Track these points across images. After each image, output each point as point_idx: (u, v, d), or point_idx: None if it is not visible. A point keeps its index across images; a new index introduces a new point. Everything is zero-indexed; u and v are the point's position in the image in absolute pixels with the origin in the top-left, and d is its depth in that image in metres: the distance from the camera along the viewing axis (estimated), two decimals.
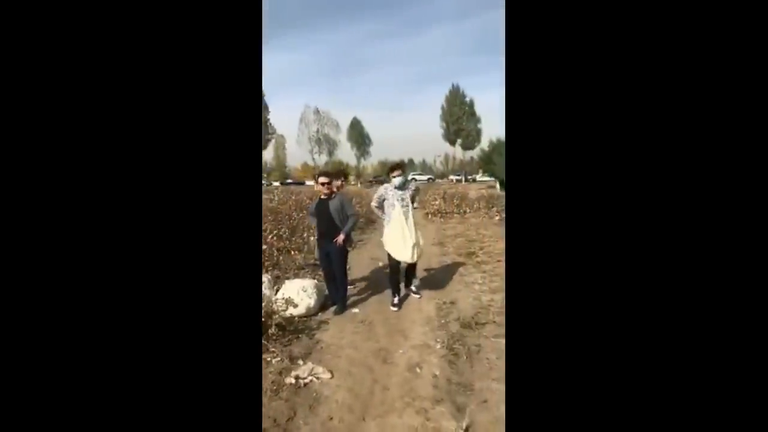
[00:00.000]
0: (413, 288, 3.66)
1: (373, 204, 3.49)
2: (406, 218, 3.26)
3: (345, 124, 48.19)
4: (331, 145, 46.00)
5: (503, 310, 3.25)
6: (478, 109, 43.05)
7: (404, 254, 3.26)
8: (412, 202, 3.37)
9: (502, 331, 2.82)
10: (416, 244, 3.28)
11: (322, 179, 3.22)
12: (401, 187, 3.33)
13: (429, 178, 39.97)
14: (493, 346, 2.60)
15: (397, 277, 3.50)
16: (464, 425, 1.76)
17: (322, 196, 3.26)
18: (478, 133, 42.46)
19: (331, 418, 1.86)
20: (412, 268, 3.58)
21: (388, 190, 3.35)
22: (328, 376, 2.23)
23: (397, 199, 3.29)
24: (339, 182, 3.27)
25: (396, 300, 3.43)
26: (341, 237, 3.15)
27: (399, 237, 3.25)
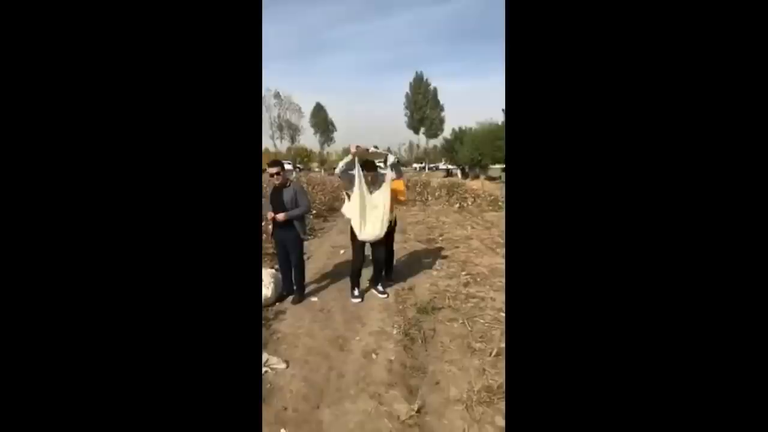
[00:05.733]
0: (379, 287, 3.34)
1: (337, 172, 3.10)
2: (369, 188, 3.00)
3: (308, 109, 46.90)
4: (293, 131, 44.62)
5: (458, 294, 3.37)
6: (442, 98, 43.54)
7: (364, 231, 3.05)
8: (392, 171, 3.06)
9: (457, 315, 2.93)
10: (379, 220, 3.00)
11: (271, 169, 3.10)
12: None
13: None
14: (448, 330, 2.69)
15: (359, 265, 3.26)
16: (416, 407, 1.82)
17: (276, 185, 3.17)
18: (441, 121, 43.01)
19: (285, 408, 1.86)
20: (382, 256, 3.27)
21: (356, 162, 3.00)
22: (283, 366, 2.20)
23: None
24: (275, 170, 3.08)
25: (356, 292, 3.27)
26: (281, 215, 3.04)
27: (356, 209, 3.02)
